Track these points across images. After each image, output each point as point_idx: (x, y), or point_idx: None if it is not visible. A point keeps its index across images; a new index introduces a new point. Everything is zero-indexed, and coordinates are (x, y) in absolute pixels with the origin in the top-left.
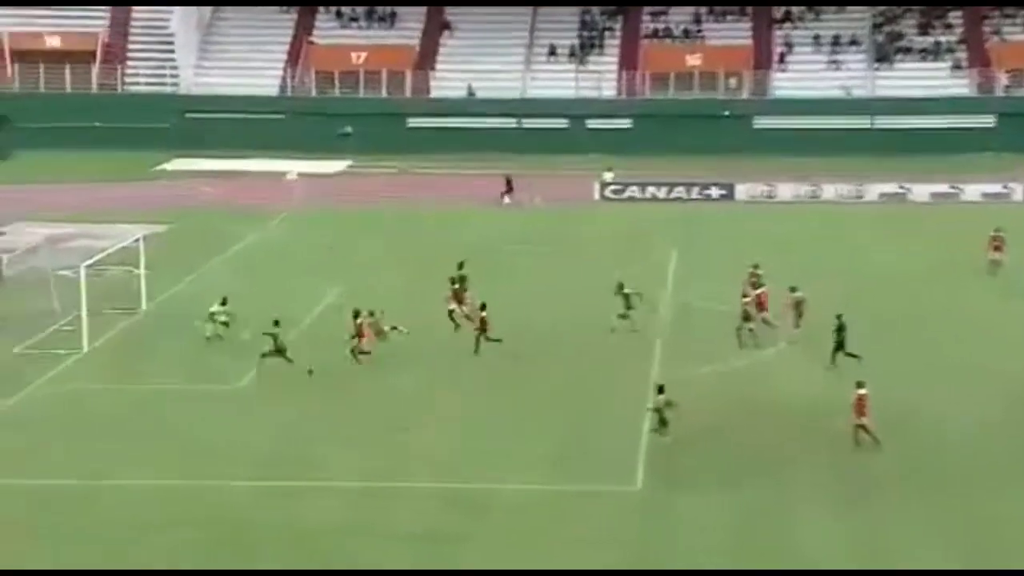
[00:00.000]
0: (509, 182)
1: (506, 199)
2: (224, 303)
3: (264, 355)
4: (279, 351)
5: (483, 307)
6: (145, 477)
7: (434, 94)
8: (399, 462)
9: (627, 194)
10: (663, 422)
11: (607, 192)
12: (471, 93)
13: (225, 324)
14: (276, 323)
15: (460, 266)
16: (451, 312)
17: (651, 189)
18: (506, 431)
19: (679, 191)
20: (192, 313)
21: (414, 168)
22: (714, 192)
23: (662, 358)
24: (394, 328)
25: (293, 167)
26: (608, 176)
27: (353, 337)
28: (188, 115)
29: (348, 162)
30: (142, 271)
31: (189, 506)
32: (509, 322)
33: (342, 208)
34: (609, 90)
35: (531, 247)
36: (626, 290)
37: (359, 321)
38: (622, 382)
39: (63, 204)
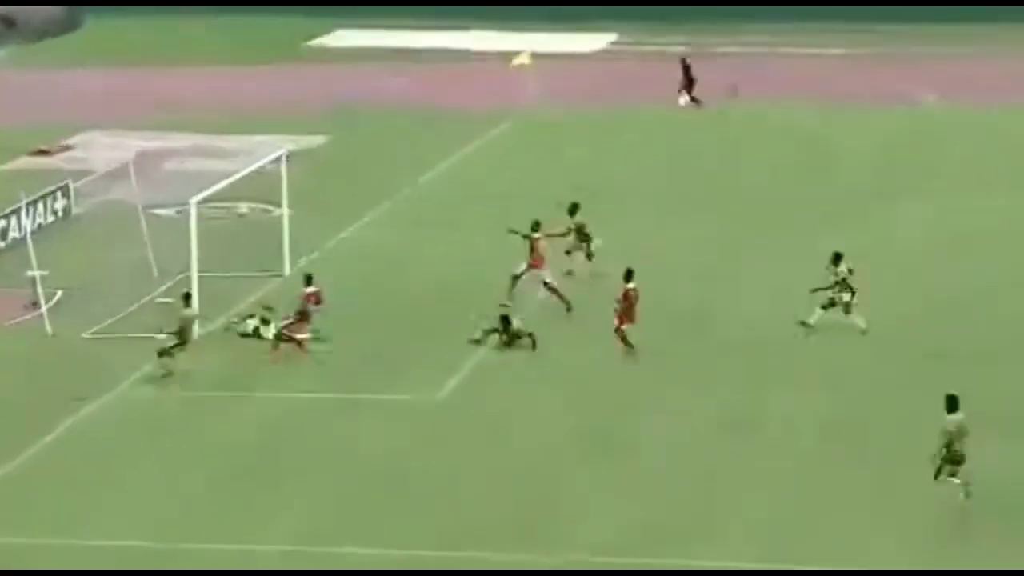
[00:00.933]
0: (687, 69)
1: (683, 98)
2: (266, 321)
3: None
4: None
5: (628, 276)
6: (265, 539)
7: None
8: (684, 519)
9: None
10: (954, 459)
11: None
12: None
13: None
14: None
15: (572, 210)
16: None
17: None
18: (843, 475)
19: None
20: (365, 277)
21: (715, 46)
22: None
23: None
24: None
25: (524, 44)
26: None
27: (297, 317)
28: None
29: (612, 36)
30: (285, 210)
31: None
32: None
33: (602, 110)
34: None
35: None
36: (842, 268)
37: (309, 292)
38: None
39: (163, 101)
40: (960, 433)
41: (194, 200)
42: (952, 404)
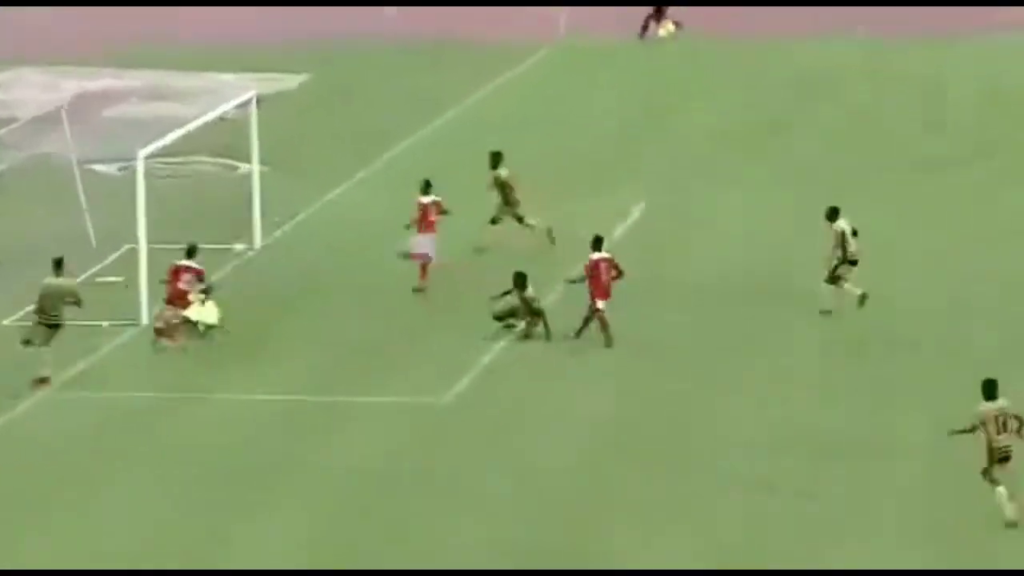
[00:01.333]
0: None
1: (662, 29)
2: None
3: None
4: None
5: (597, 245)
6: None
7: None
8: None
9: None
10: (997, 457)
11: None
12: None
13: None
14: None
15: (494, 162)
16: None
17: None
18: (844, 474)
19: None
20: (352, 250)
21: None
22: None
23: None
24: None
25: None
26: None
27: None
28: None
29: None
30: (255, 167)
31: None
32: None
33: (651, 46)
34: None
35: None
36: (839, 224)
37: (179, 265)
38: None
39: (106, 31)
40: (1003, 423)
41: (142, 154)
42: (990, 390)
